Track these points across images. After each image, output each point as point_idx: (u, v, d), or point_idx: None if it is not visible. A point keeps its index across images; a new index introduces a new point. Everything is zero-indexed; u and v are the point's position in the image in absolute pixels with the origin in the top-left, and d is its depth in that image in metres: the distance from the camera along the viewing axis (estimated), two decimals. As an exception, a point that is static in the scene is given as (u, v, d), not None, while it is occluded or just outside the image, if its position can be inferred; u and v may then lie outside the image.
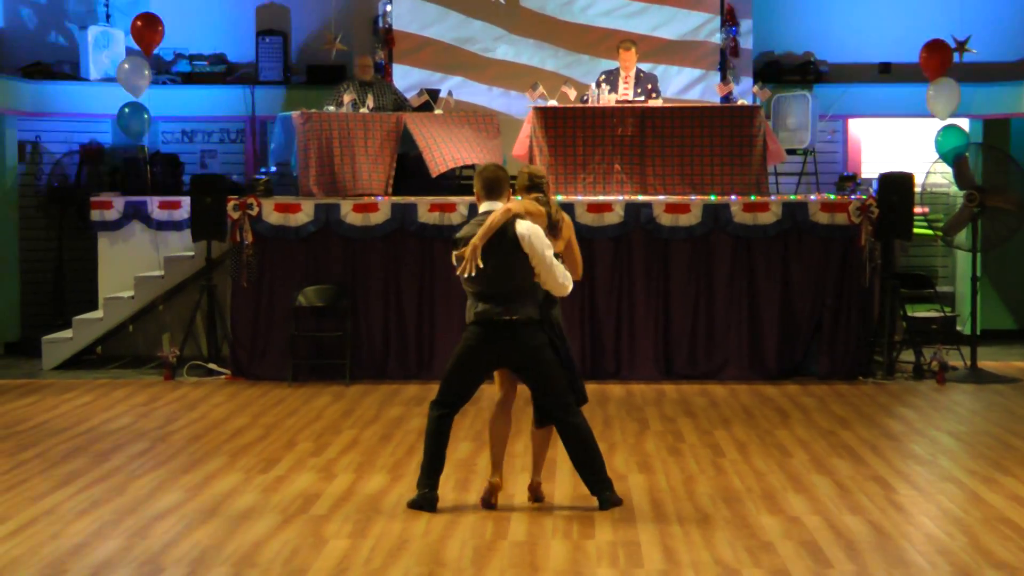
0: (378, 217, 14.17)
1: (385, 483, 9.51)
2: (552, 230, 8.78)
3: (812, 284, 14.18)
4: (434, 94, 15.60)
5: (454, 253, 8.55)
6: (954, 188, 15.13)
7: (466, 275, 8.46)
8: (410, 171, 15.23)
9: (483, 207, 8.65)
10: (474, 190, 8.81)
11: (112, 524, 8.44)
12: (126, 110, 16.18)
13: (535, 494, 8.94)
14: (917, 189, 14.47)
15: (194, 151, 17.64)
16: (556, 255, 8.62)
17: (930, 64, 16.44)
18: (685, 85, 17.17)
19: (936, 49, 16.46)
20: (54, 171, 16.79)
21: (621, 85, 15.43)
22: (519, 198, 8.93)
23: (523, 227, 8.47)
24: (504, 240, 8.44)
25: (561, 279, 8.52)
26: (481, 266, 8.41)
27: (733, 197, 14.31)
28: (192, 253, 14.99)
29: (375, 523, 8.42)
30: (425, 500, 8.69)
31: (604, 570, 7.44)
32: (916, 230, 14.69)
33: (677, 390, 13.56)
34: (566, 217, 8.95)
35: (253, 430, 11.52)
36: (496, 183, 8.69)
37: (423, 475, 8.76)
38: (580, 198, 14.32)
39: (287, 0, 17.83)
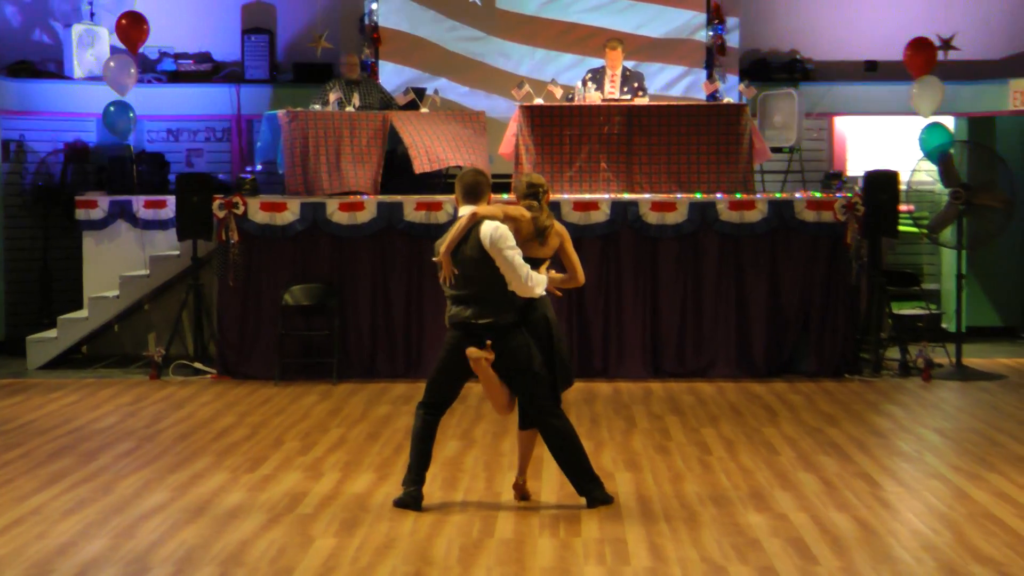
0: (364, 216, 14.17)
1: (372, 482, 9.51)
2: (539, 237, 8.81)
3: (799, 282, 14.20)
4: (420, 92, 15.60)
5: (432, 260, 8.65)
6: (939, 186, 15.15)
7: (448, 284, 8.54)
8: (398, 168, 15.21)
9: (462, 211, 8.68)
10: (455, 195, 8.84)
11: (98, 524, 8.42)
12: (111, 109, 16.15)
13: (520, 493, 8.95)
14: (903, 187, 14.49)
15: (180, 150, 17.60)
16: (530, 259, 8.63)
17: (914, 62, 16.46)
18: (669, 82, 17.16)
19: (920, 47, 16.48)
20: (39, 170, 16.74)
21: (607, 84, 15.43)
22: (506, 197, 8.97)
23: (486, 229, 8.50)
24: (471, 243, 8.49)
25: (525, 280, 8.51)
26: (457, 272, 8.47)
27: (719, 195, 14.32)
28: (178, 252, 14.96)
29: (362, 522, 8.41)
30: (411, 498, 8.70)
31: (591, 568, 7.44)
32: (902, 228, 14.72)
33: (665, 388, 13.57)
34: (558, 226, 8.95)
35: (240, 429, 11.51)
36: (475, 187, 8.72)
37: (409, 473, 8.79)
38: (566, 196, 14.33)
39: (273, -2, 17.85)
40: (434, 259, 8.65)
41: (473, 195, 8.69)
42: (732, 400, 12.85)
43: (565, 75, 16.43)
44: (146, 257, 15.24)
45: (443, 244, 8.56)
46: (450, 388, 8.83)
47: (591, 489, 8.77)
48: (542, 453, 9.32)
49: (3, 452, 10.58)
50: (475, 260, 8.49)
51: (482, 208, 8.60)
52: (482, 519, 8.47)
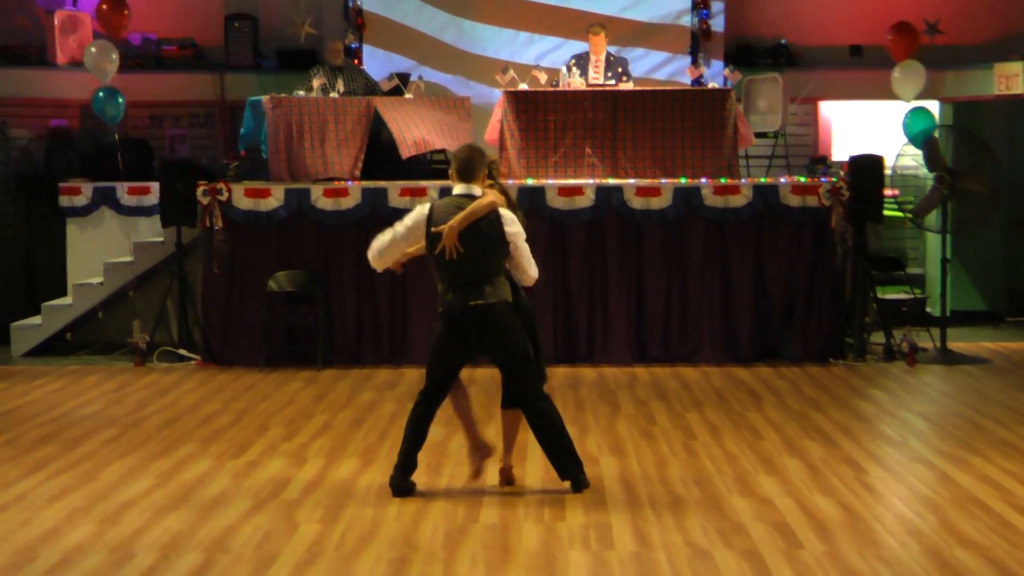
0: (348, 202, 14.14)
1: (356, 468, 9.50)
2: None
3: (784, 267, 14.20)
4: (404, 78, 15.57)
5: (432, 230, 8.53)
6: (924, 170, 15.16)
7: (447, 258, 8.46)
8: (383, 155, 15.18)
9: (457, 189, 8.65)
10: (449, 172, 8.80)
11: (83, 510, 8.41)
12: (101, 94, 16.06)
13: (505, 477, 8.94)
14: (887, 171, 14.49)
15: (163, 136, 17.57)
16: None
17: (897, 46, 16.46)
18: (653, 67, 17.13)
19: (903, 31, 16.47)
20: (22, 157, 16.68)
21: (591, 69, 15.41)
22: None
23: (508, 217, 8.54)
24: (485, 228, 8.47)
25: (532, 270, 8.65)
26: (462, 251, 8.42)
27: (704, 180, 14.31)
28: (162, 239, 14.92)
29: (347, 508, 8.41)
30: (392, 484, 8.70)
31: (576, 553, 7.44)
32: (887, 212, 14.73)
33: (650, 373, 13.57)
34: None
35: (224, 416, 11.49)
36: (468, 165, 8.67)
37: (397, 462, 8.76)
38: (551, 182, 14.31)
39: (256, -16, 17.77)
40: (433, 229, 8.56)
41: (466, 173, 8.64)
42: (717, 385, 12.86)
43: (548, 57, 16.45)
44: (130, 244, 15.21)
45: (454, 219, 8.44)
46: (446, 379, 8.79)
47: (575, 473, 8.77)
48: (526, 439, 9.32)
49: (-13, 439, 10.58)
50: (487, 245, 8.48)
51: (495, 197, 8.56)
52: (467, 505, 8.47)
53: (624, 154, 14.77)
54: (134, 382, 13.24)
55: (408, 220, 8.66)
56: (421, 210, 8.66)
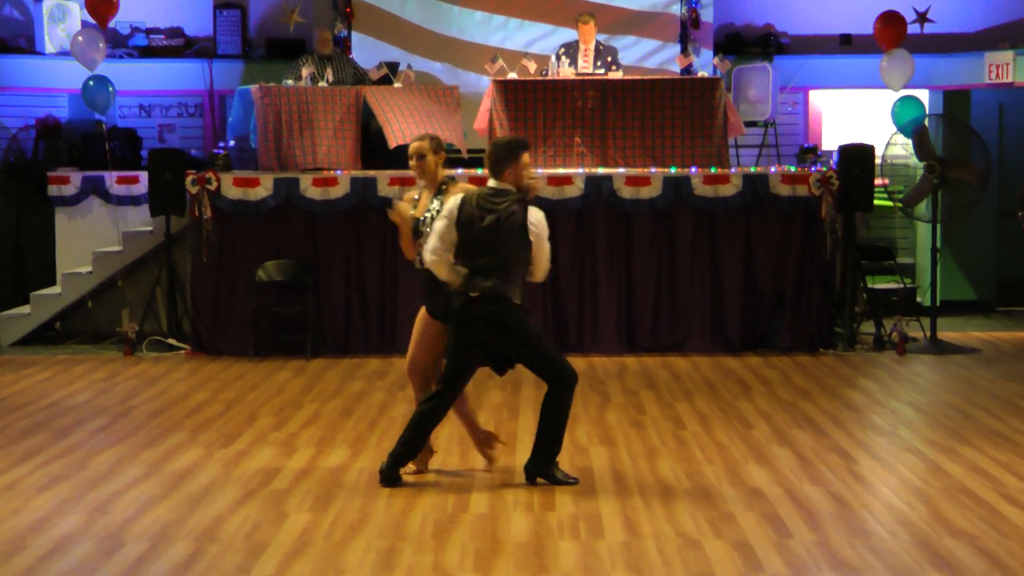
0: (338, 191, 14.12)
1: (346, 457, 9.49)
2: None
3: (774, 256, 14.21)
4: (393, 67, 15.54)
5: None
6: (913, 159, 15.17)
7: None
8: (372, 144, 15.16)
9: (490, 183, 8.68)
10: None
11: (73, 500, 8.40)
12: (91, 83, 16.00)
13: (491, 445, 8.95)
14: (877, 161, 14.49)
15: (152, 125, 17.51)
16: None
17: (885, 35, 16.43)
18: (643, 56, 17.09)
19: (891, 20, 16.44)
20: (10, 146, 16.64)
21: (580, 58, 15.39)
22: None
23: (535, 212, 8.60)
24: (515, 222, 8.50)
25: (547, 265, 8.67)
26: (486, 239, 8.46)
27: (693, 169, 14.31)
28: (151, 228, 14.90)
29: (336, 498, 8.40)
30: (383, 474, 8.69)
31: (566, 542, 7.44)
32: (876, 202, 14.73)
33: (639, 363, 13.57)
34: None
35: (214, 405, 11.48)
36: (491, 159, 8.71)
37: (392, 451, 8.73)
38: (540, 171, 14.28)
39: (245, -27, 17.71)
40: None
41: (492, 167, 8.66)
42: (707, 375, 12.86)
43: (537, 44, 16.42)
44: (119, 233, 15.18)
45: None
46: (462, 376, 8.71)
47: (541, 468, 8.69)
48: (515, 427, 9.31)
49: (-25, 429, 10.55)
50: (514, 238, 8.50)
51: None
52: (456, 495, 8.47)
53: (613, 143, 14.75)
54: (123, 371, 13.22)
55: (445, 213, 8.64)
56: (453, 201, 8.65)
